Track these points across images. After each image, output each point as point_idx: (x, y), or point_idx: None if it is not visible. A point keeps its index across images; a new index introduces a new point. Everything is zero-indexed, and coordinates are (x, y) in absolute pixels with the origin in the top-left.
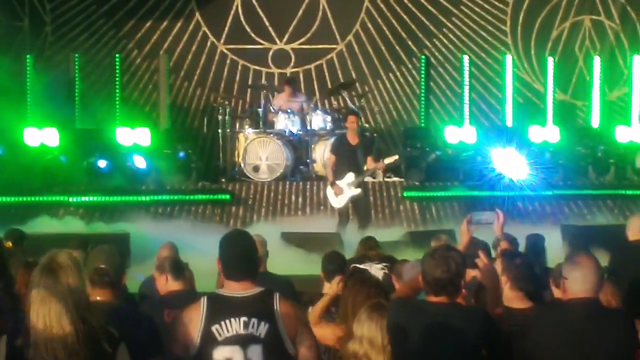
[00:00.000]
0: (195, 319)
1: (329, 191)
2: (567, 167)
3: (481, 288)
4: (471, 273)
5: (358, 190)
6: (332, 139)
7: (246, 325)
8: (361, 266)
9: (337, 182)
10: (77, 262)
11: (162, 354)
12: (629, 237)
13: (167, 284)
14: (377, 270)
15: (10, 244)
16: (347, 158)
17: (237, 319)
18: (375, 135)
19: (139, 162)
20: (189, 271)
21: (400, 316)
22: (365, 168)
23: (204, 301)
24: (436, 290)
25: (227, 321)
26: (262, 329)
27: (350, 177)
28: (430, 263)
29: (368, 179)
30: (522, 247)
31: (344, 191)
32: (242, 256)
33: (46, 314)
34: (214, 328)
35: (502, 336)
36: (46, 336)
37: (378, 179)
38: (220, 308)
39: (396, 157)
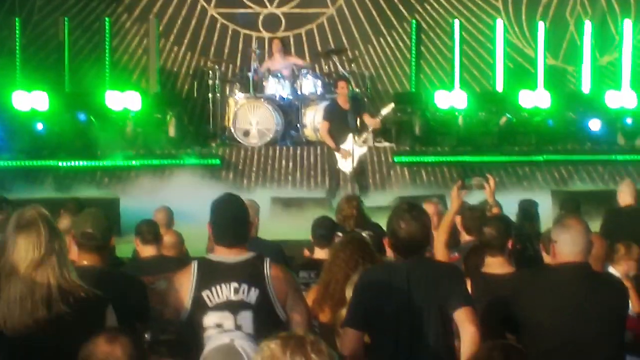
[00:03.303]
0: (185, 284)
1: (338, 157)
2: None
3: (471, 253)
4: (465, 237)
5: (365, 148)
6: (323, 104)
7: (236, 291)
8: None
9: (341, 146)
10: (47, 216)
11: (150, 318)
12: (620, 203)
13: (139, 248)
14: None
15: None
16: (341, 122)
17: (227, 285)
18: (365, 99)
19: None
20: (177, 235)
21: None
22: (364, 125)
23: (194, 266)
24: (413, 249)
25: (218, 287)
26: (253, 294)
27: (350, 138)
28: (410, 222)
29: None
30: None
31: (351, 152)
32: (232, 222)
33: (19, 264)
34: (205, 294)
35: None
36: (23, 291)
37: (368, 143)
38: (211, 273)
39: (392, 105)
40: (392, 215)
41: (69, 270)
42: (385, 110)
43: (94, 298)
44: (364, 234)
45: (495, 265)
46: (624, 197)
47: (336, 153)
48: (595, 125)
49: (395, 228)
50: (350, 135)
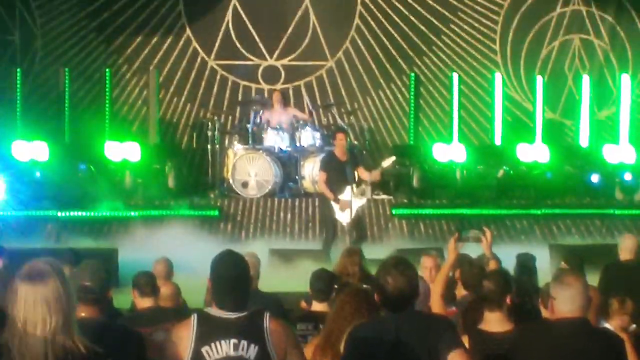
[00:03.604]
0: (185, 339)
1: (335, 208)
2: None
3: (469, 308)
4: (462, 291)
5: (364, 200)
6: (321, 156)
7: (236, 347)
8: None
9: (339, 197)
10: (60, 269)
11: None
12: (621, 257)
13: (136, 300)
14: None
15: None
16: (338, 174)
17: (227, 341)
18: (363, 152)
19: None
20: (175, 287)
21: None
22: (363, 179)
23: (194, 320)
24: (402, 304)
25: (217, 343)
26: (252, 351)
27: (348, 189)
28: (398, 277)
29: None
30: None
31: (349, 204)
32: (233, 289)
33: (27, 318)
34: (204, 350)
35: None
36: (24, 339)
37: (366, 196)
38: (211, 329)
39: (393, 158)
40: (379, 271)
41: (74, 327)
42: (386, 163)
43: (93, 356)
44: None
45: (494, 321)
46: (625, 252)
47: (334, 204)
48: (594, 179)
49: (382, 283)
50: (348, 187)
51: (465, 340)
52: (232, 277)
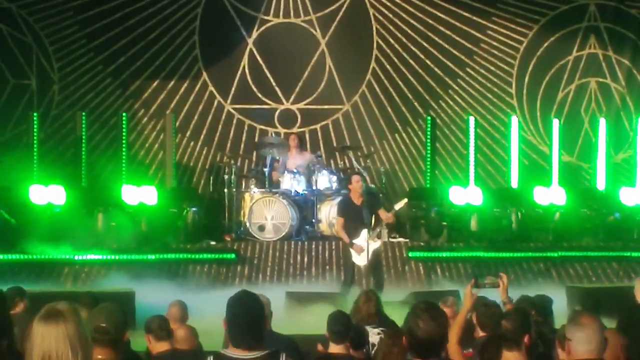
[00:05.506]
0: None
1: (352, 251)
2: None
3: (485, 346)
4: (480, 333)
5: (379, 243)
6: (338, 200)
7: None
8: None
9: (355, 240)
10: (77, 311)
11: None
12: (638, 299)
13: (151, 345)
14: (373, 335)
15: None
16: (355, 218)
17: None
18: (380, 194)
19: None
20: (190, 329)
21: None
22: (379, 220)
23: None
24: (430, 349)
25: None
26: None
27: (364, 233)
28: (429, 322)
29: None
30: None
31: (365, 247)
32: (248, 325)
33: (48, 357)
34: None
35: None
36: None
37: (383, 239)
38: None
39: (405, 200)
40: (410, 315)
41: None
42: (399, 205)
43: None
44: (375, 332)
45: None
46: None
47: (349, 248)
48: (617, 216)
49: (413, 327)
50: (365, 230)
51: None
52: (247, 316)
